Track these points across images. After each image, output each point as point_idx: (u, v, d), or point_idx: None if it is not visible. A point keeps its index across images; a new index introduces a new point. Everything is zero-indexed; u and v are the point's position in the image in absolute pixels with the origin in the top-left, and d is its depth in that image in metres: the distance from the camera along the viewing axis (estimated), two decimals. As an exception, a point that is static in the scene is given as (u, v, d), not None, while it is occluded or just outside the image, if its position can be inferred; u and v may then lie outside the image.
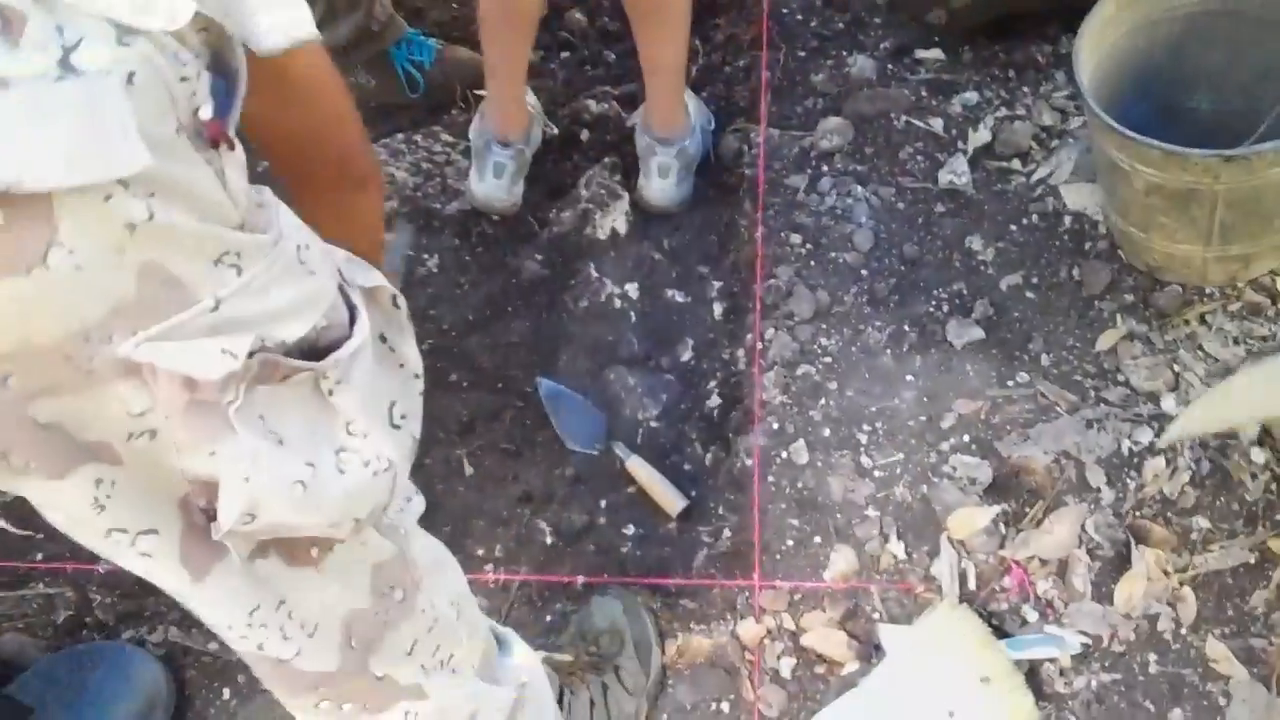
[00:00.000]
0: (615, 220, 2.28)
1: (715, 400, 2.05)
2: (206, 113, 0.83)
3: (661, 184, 2.27)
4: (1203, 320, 1.93)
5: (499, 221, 2.31)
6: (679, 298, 2.20)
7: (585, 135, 2.45)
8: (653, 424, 2.05)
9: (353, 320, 0.99)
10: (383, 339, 1.03)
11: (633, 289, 2.21)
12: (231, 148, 0.87)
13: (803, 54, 2.42)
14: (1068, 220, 2.05)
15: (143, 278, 0.81)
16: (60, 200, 0.75)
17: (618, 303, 2.19)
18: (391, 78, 2.51)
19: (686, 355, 2.13)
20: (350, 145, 1.19)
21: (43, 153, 0.74)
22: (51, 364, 0.82)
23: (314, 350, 0.94)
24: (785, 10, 2.50)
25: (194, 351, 0.85)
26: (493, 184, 2.28)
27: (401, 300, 1.05)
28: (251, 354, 0.87)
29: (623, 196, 2.30)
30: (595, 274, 2.22)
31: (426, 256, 2.27)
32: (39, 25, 0.73)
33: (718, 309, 2.17)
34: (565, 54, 2.59)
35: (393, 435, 1.03)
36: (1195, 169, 1.74)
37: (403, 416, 1.03)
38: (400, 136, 2.45)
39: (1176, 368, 1.88)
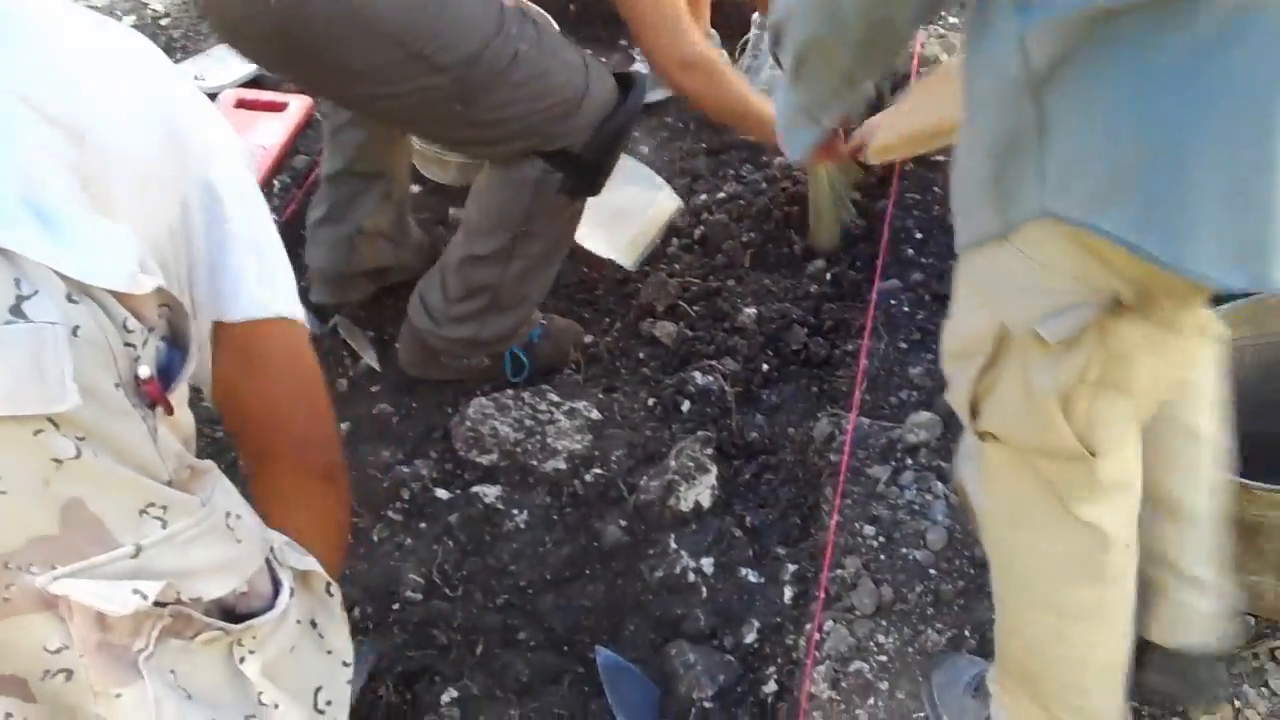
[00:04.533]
0: (700, 494, 2.32)
1: (772, 686, 2.04)
2: (144, 372, 0.92)
3: None
4: (1272, 656, 1.84)
5: (590, 484, 2.38)
6: (752, 577, 2.22)
7: (686, 406, 2.52)
8: (706, 704, 2.03)
9: (276, 596, 1.05)
10: (313, 624, 1.09)
11: (708, 564, 2.23)
12: (170, 411, 0.96)
13: (904, 345, 2.46)
14: (1144, 537, 2.00)
15: (66, 513, 0.88)
16: None
17: (691, 576, 2.21)
18: (499, 359, 2.62)
19: (750, 637, 2.12)
20: (314, 433, 1.22)
21: None
22: None
23: (231, 615, 1.01)
24: (894, 301, 2.55)
25: (106, 588, 0.91)
26: None
27: (336, 589, 1.11)
28: (164, 604, 0.94)
29: (710, 470, 2.34)
30: (674, 545, 2.26)
31: (516, 512, 2.34)
32: None
33: (788, 593, 2.17)
34: (678, 324, 2.69)
35: None
36: (1260, 502, 1.71)
37: (328, 702, 1.07)
38: (510, 391, 2.56)
39: (1238, 703, 1.79)
